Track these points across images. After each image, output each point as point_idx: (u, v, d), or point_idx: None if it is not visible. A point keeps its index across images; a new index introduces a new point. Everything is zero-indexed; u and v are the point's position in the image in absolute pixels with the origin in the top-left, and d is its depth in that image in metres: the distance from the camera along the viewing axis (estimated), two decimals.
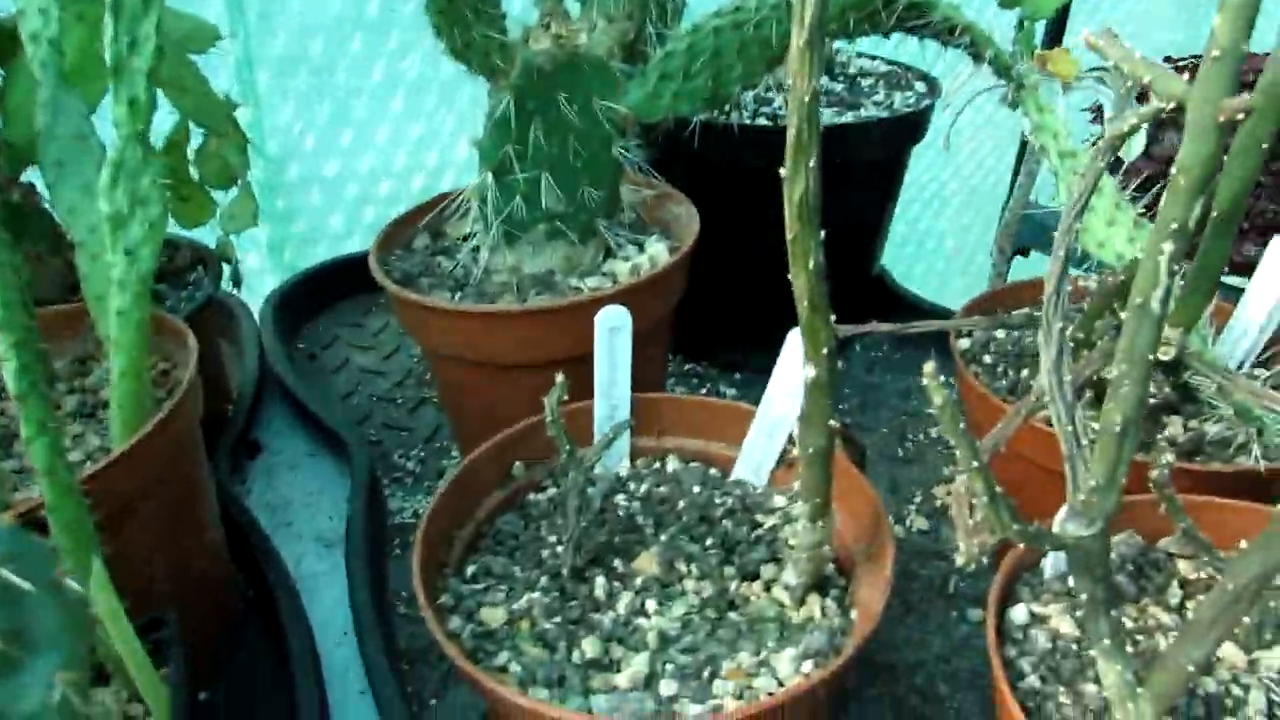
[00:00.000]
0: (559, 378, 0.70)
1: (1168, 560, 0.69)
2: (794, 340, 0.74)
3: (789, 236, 0.54)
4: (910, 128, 1.13)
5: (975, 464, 0.45)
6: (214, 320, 1.17)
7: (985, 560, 0.63)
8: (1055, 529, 0.51)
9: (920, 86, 1.22)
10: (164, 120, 1.04)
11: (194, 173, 1.09)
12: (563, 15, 0.88)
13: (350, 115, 1.44)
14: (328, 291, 1.46)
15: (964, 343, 0.93)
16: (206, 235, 1.15)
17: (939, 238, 1.96)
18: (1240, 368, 0.92)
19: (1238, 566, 0.51)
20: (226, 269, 1.14)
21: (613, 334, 0.79)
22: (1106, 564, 0.51)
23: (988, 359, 0.92)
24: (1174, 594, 0.67)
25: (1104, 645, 0.54)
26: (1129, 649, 0.61)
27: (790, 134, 0.52)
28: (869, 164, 1.10)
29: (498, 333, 0.87)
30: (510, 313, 0.87)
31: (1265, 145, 0.59)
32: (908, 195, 1.94)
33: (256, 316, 1.34)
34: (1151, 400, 0.87)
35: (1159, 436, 0.84)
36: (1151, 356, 0.46)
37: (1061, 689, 0.58)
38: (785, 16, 0.84)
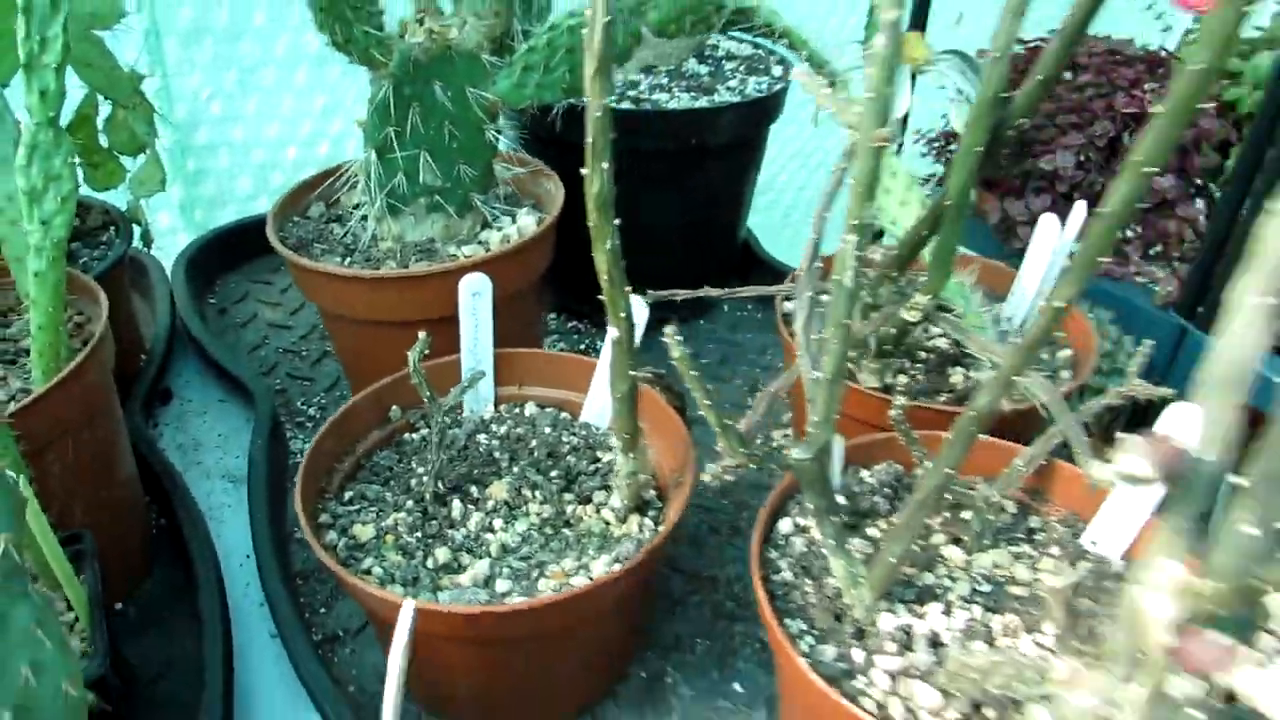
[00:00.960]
0: (420, 334, 0.83)
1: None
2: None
3: (590, 224, 0.68)
4: (762, 111, 1.26)
5: (706, 403, 0.59)
6: (127, 277, 1.27)
7: None
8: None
9: (777, 70, 1.35)
10: (76, 93, 1.13)
11: (104, 141, 1.18)
12: (436, 12, 0.99)
13: (256, 84, 1.53)
14: (239, 250, 1.55)
15: (789, 305, 1.09)
16: (118, 198, 1.24)
17: (807, 206, 2.12)
18: (1022, 326, 1.09)
19: (920, 483, 0.67)
20: (137, 230, 1.23)
21: (475, 298, 0.92)
22: (826, 482, 0.67)
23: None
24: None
25: (830, 545, 0.69)
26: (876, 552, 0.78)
27: (588, 143, 0.65)
28: (724, 145, 1.24)
29: (380, 295, 0.99)
30: (389, 277, 0.99)
31: (979, 149, 0.74)
32: (778, 167, 2.09)
33: (169, 273, 1.43)
34: (941, 354, 1.04)
35: (940, 384, 1.00)
36: (846, 322, 0.61)
37: (808, 581, 0.74)
38: (628, 18, 0.96)
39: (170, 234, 1.58)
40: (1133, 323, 1.38)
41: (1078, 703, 0.54)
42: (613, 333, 0.72)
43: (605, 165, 0.66)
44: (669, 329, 0.58)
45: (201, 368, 1.34)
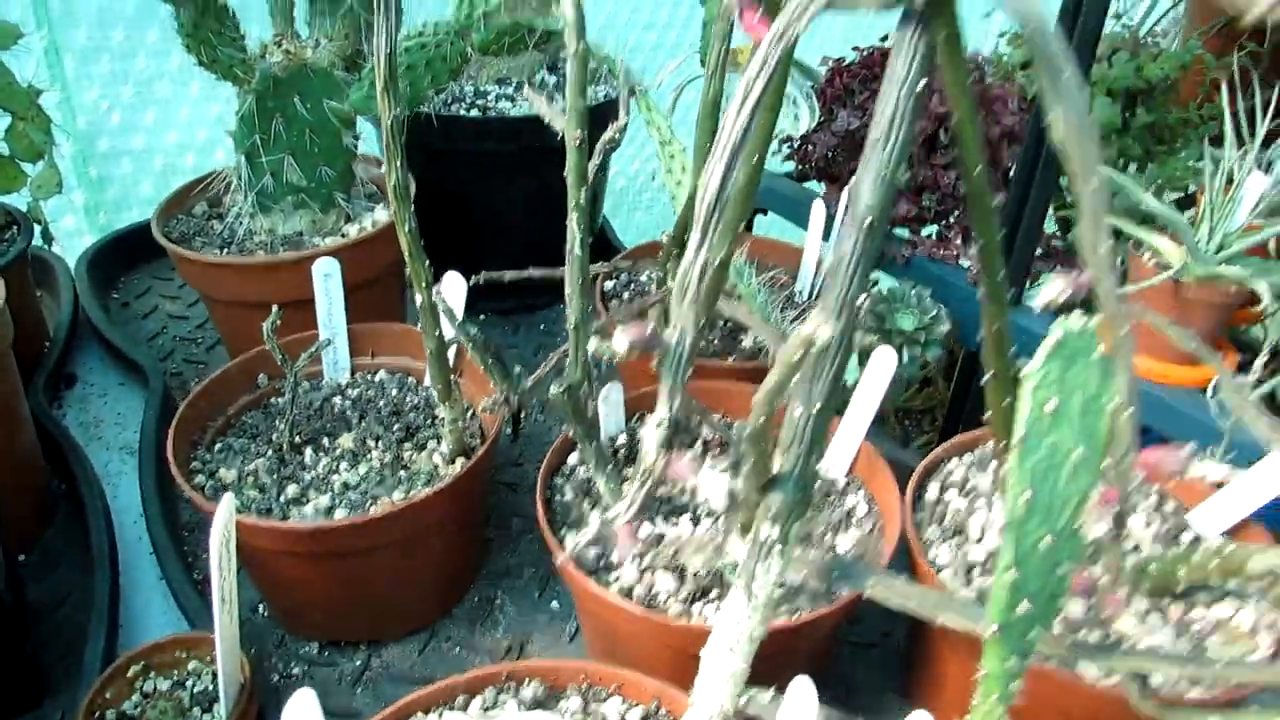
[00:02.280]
0: (274, 308, 0.99)
1: (696, 425, 1.03)
2: (448, 278, 1.05)
3: (391, 211, 0.84)
4: (595, 116, 1.43)
5: (470, 345, 0.76)
6: (29, 271, 1.40)
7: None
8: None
9: (616, 83, 1.53)
10: None
11: (4, 148, 1.31)
12: (293, 35, 1.15)
13: (153, 96, 1.67)
14: (141, 249, 1.69)
15: (610, 283, 1.26)
16: (20, 201, 1.38)
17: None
18: (810, 294, 1.28)
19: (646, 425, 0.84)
20: (38, 229, 1.37)
21: (326, 279, 1.08)
22: (581, 412, 0.84)
23: (626, 295, 1.25)
24: (697, 447, 1.01)
25: (590, 465, 0.87)
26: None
27: (384, 144, 0.82)
28: (561, 147, 1.40)
29: (247, 279, 1.15)
30: (254, 264, 1.15)
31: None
32: (636, 159, 2.27)
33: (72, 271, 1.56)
34: (735, 323, 1.22)
35: (731, 346, 1.18)
36: (580, 278, 0.78)
37: (587, 501, 0.91)
38: (457, 39, 1.13)
39: (76, 235, 1.70)
40: (949, 297, 1.58)
41: (733, 555, 0.72)
42: (419, 299, 0.88)
43: (399, 162, 0.83)
44: (446, 276, 0.74)
45: (104, 355, 1.47)
